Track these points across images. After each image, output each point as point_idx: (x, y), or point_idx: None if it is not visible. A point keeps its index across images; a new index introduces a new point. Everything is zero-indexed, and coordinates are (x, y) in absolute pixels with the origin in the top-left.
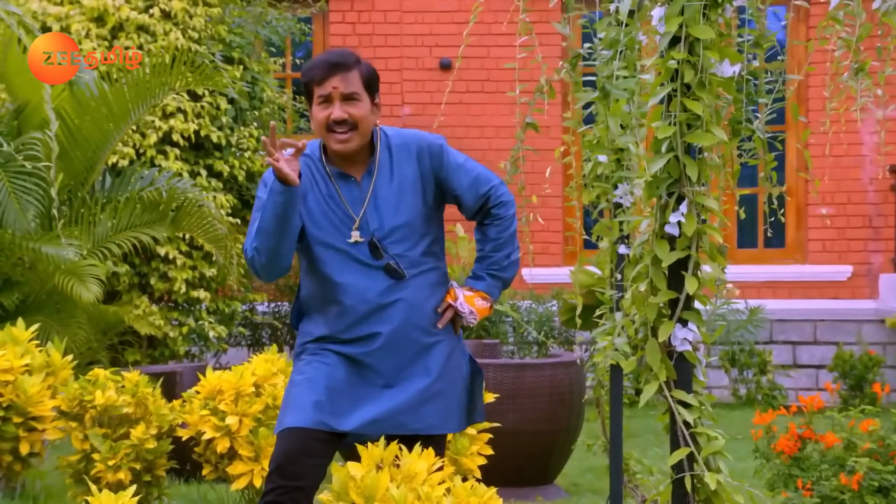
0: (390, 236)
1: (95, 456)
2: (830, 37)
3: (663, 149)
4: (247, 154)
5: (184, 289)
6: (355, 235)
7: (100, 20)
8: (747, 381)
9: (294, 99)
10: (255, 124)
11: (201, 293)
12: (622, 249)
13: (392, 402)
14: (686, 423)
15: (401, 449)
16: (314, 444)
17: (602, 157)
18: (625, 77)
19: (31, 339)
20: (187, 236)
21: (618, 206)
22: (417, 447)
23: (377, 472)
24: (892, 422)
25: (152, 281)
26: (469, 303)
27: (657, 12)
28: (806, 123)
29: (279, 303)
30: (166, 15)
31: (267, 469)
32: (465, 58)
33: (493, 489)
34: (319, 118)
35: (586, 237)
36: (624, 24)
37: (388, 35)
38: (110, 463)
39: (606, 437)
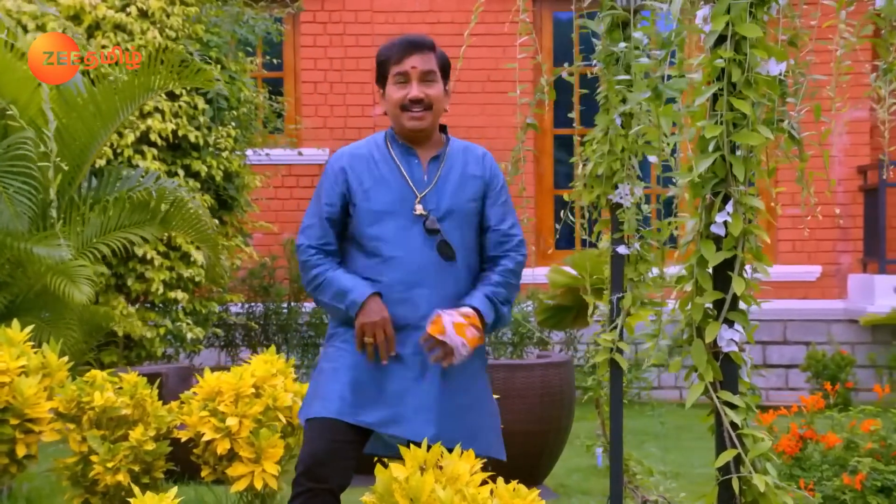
0: (445, 219)
1: (94, 458)
2: (833, 37)
3: (710, 148)
4: (224, 154)
5: (161, 289)
6: (419, 208)
7: (76, 19)
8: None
9: (270, 99)
10: (232, 124)
11: (179, 294)
12: (621, 250)
13: (411, 407)
14: (733, 425)
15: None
16: (342, 445)
17: (652, 158)
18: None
19: (25, 341)
20: (165, 237)
21: (618, 206)
22: (458, 448)
23: (422, 474)
24: (892, 422)
25: (129, 282)
26: (459, 333)
27: (701, 12)
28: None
29: (253, 304)
30: (143, 14)
31: (268, 470)
32: None
33: (536, 491)
34: (396, 97)
35: (567, 238)
36: (675, 24)
37: (359, 35)
38: (109, 465)
39: (606, 437)
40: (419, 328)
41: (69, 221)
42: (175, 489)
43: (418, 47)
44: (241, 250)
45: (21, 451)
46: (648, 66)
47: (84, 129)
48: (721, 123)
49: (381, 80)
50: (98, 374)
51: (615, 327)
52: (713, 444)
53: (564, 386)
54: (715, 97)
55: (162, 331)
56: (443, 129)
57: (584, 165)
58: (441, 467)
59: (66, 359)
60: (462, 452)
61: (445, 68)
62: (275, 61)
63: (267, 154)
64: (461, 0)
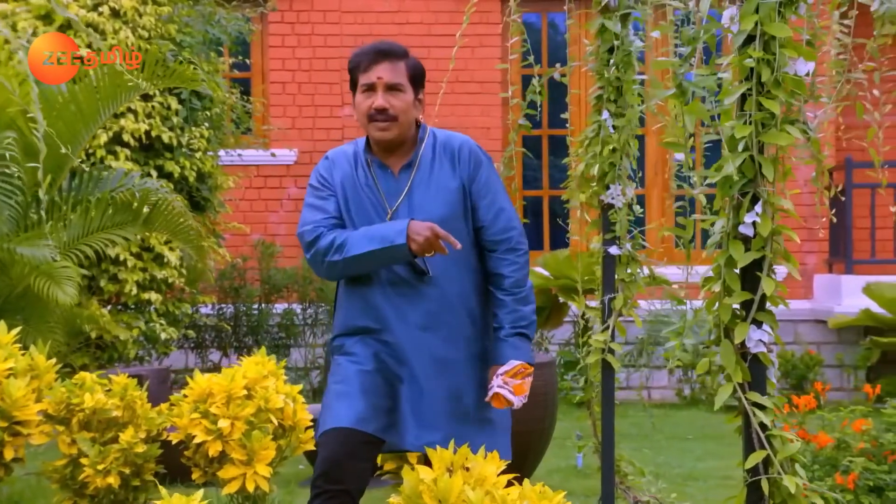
0: None
1: (84, 461)
2: (828, 38)
3: (739, 148)
4: (197, 155)
5: (134, 291)
6: None
7: (47, 18)
8: (691, 382)
9: (242, 99)
10: (205, 125)
11: (152, 295)
12: (613, 250)
13: (414, 417)
14: (762, 426)
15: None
16: (358, 448)
17: (679, 156)
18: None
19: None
20: (139, 237)
21: (609, 206)
22: (483, 448)
23: (450, 476)
24: (883, 422)
25: (102, 283)
26: (519, 392)
27: (728, 11)
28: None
29: (224, 304)
30: (115, 13)
31: (259, 472)
32: None
33: (562, 493)
34: (362, 107)
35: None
36: (704, 21)
37: (327, 35)
38: (99, 467)
39: (598, 438)
40: (405, 347)
41: (51, 223)
42: (202, 492)
43: (387, 55)
44: (215, 251)
45: (9, 454)
46: (667, 63)
47: (65, 129)
48: (750, 123)
49: (353, 86)
50: (87, 376)
51: (607, 328)
52: (686, 445)
53: (548, 387)
54: (742, 97)
55: (135, 332)
56: (421, 127)
57: (576, 166)
58: (467, 469)
59: (53, 360)
60: (486, 455)
61: (417, 76)
62: (247, 61)
63: (239, 155)
64: (429, 1)
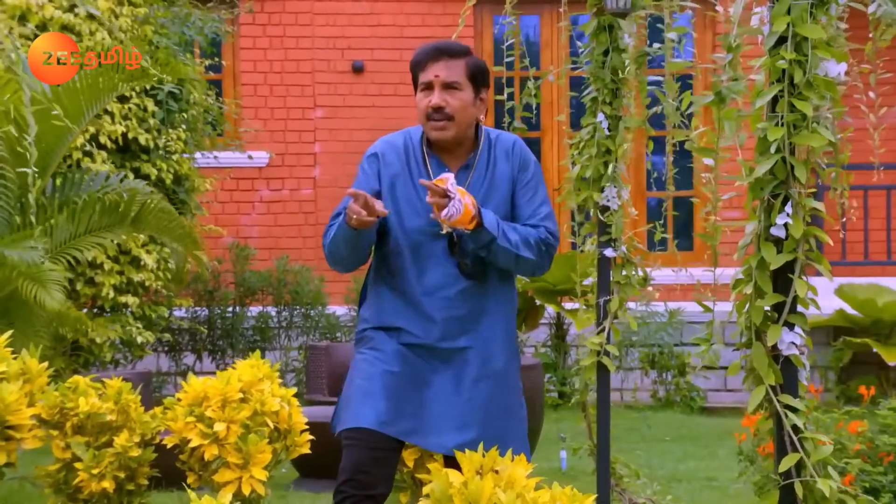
0: None
1: (78, 465)
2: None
3: (771, 150)
4: (174, 157)
5: (111, 294)
6: (445, 227)
7: (22, 19)
8: (666, 383)
9: (217, 100)
10: (182, 126)
11: (129, 298)
12: (609, 252)
13: (436, 418)
14: (795, 428)
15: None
16: (383, 453)
17: (708, 161)
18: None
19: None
20: (115, 241)
21: (605, 209)
22: (510, 451)
23: (480, 479)
24: (879, 423)
25: (79, 287)
26: (461, 193)
27: (758, 12)
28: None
29: (198, 307)
30: (91, 15)
31: (255, 476)
32: (377, 60)
33: (592, 495)
34: (420, 105)
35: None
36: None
37: (299, 37)
38: (94, 472)
39: (592, 440)
40: (435, 349)
41: (41, 227)
42: (230, 496)
43: (444, 53)
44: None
45: (1, 459)
46: (681, 64)
47: (49, 130)
48: (782, 125)
49: (415, 85)
50: (81, 380)
51: (602, 330)
52: (665, 447)
53: (535, 390)
54: (774, 98)
55: (113, 335)
56: (478, 128)
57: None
58: (496, 471)
59: (45, 364)
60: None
61: (478, 76)
62: (224, 63)
63: (215, 157)
64: (401, 3)
